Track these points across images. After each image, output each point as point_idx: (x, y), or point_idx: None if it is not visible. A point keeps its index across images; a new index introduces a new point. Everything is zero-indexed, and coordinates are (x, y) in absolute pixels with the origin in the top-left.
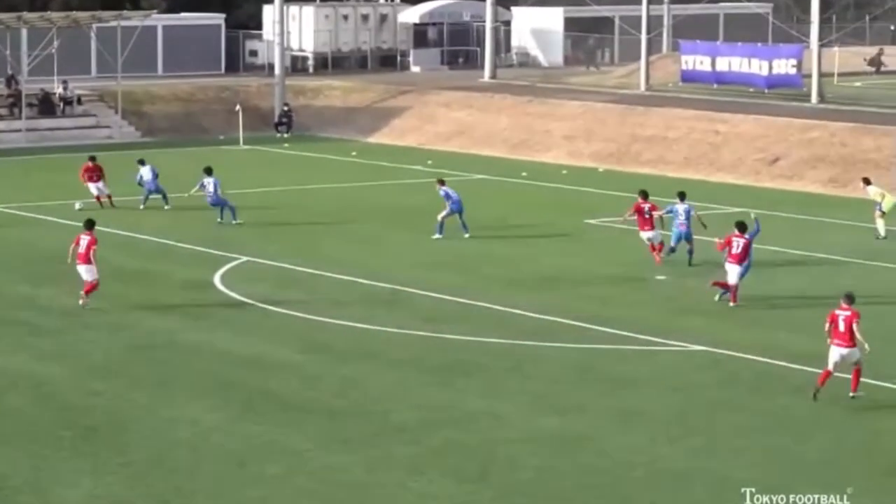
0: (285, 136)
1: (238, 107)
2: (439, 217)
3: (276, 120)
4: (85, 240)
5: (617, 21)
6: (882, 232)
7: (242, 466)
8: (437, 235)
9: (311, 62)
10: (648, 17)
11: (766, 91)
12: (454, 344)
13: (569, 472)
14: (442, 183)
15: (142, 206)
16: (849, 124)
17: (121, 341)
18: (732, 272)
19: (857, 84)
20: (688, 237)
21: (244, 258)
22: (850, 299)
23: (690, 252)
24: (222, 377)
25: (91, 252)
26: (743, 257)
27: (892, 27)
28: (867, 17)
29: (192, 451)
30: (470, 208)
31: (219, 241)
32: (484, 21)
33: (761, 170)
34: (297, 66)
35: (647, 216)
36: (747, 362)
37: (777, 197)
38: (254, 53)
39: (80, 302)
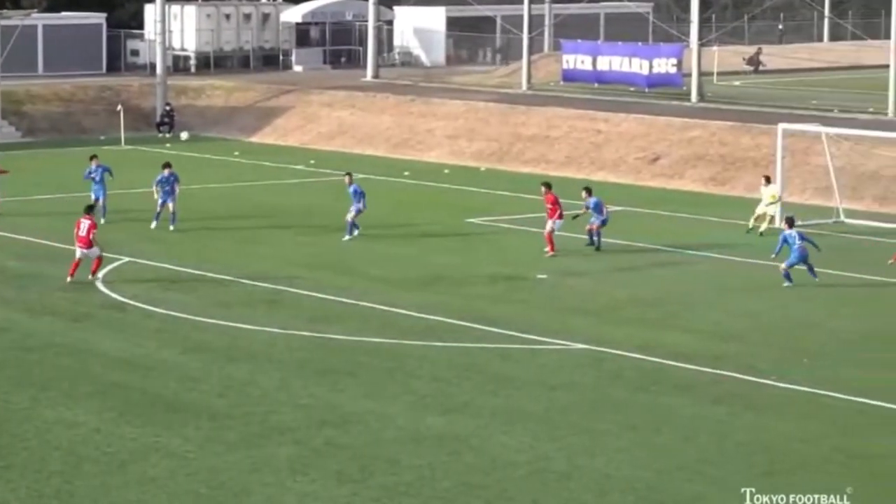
0: (167, 136)
1: (120, 107)
2: (348, 217)
3: (157, 120)
4: (85, 224)
5: (499, 21)
6: (762, 227)
7: (123, 468)
8: (346, 237)
9: (193, 62)
10: (530, 16)
11: (647, 90)
12: (337, 344)
13: (451, 471)
14: (350, 178)
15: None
16: (728, 123)
17: (0, 343)
18: None
19: (737, 83)
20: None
21: (126, 259)
22: None
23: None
24: (103, 379)
25: (91, 235)
26: None
27: (780, 27)
28: (746, 17)
29: (72, 453)
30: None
31: (100, 241)
32: (366, 20)
33: (642, 168)
34: (179, 65)
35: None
36: (629, 360)
37: (658, 195)
38: (135, 53)
39: (89, 277)
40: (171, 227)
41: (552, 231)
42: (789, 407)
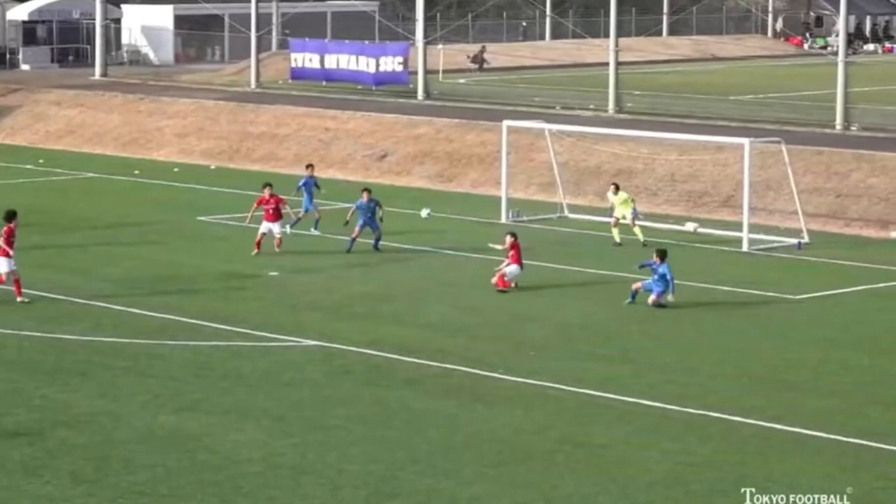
0: None
1: None
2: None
3: None
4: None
5: (227, 19)
6: (618, 239)
7: None
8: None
9: None
10: (258, 14)
11: (374, 88)
12: (70, 344)
13: (185, 470)
14: (367, 192)
15: None
16: (454, 120)
17: None
18: None
19: (462, 81)
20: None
21: None
22: None
23: None
24: None
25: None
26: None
27: (514, 26)
28: (469, 16)
29: None
30: (83, 208)
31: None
32: (94, 19)
33: (371, 165)
34: None
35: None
36: (359, 356)
37: (387, 192)
38: None
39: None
40: None
41: (505, 275)
42: (516, 399)
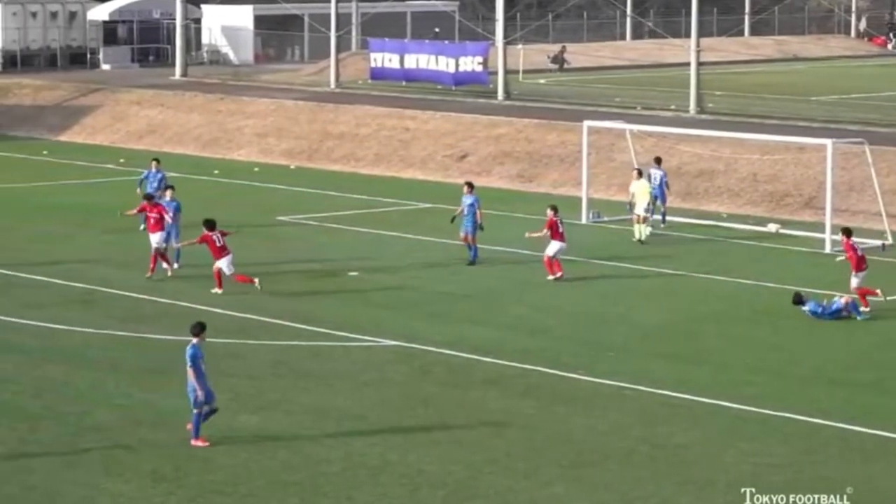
0: None
1: None
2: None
3: None
4: None
5: (306, 19)
6: (641, 235)
7: None
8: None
9: None
10: (337, 14)
11: (454, 88)
12: (151, 343)
13: (265, 469)
14: (471, 188)
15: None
16: (534, 120)
17: None
18: None
19: (542, 81)
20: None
21: None
22: None
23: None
24: None
25: None
26: None
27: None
28: (550, 16)
29: None
30: None
31: None
32: (174, 19)
33: (450, 166)
34: None
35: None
36: (439, 356)
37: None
38: None
39: None
40: None
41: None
42: (595, 399)
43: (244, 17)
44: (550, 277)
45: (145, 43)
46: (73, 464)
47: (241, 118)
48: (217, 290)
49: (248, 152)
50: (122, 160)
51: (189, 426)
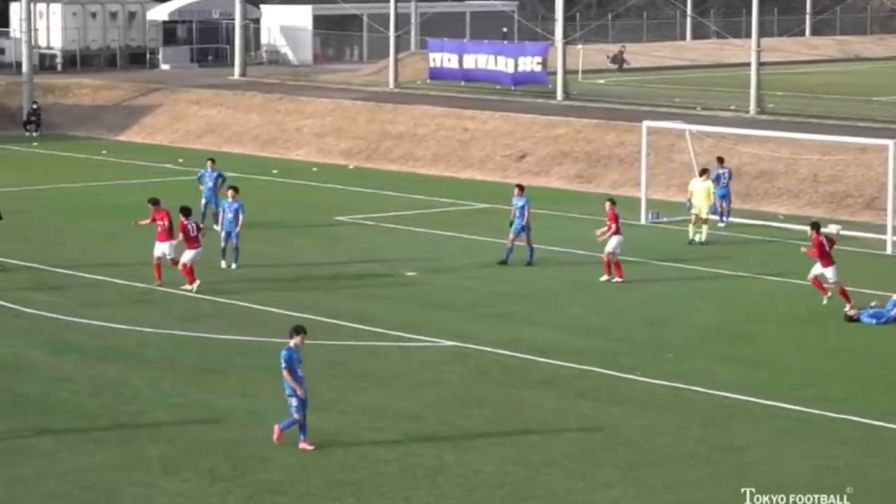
0: (34, 134)
1: None
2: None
3: (24, 119)
4: None
5: (365, 19)
6: (698, 237)
7: None
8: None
9: (59, 60)
10: (396, 14)
11: (513, 88)
12: (209, 343)
13: (322, 469)
14: (521, 190)
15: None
16: (593, 120)
17: None
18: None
19: (601, 81)
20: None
21: None
22: None
23: None
24: None
25: None
26: None
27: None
28: (609, 16)
29: None
30: None
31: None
32: (233, 19)
33: (509, 166)
34: (45, 63)
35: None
36: (495, 356)
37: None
38: (1, 51)
39: None
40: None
41: (611, 253)
42: (653, 401)
43: (303, 17)
44: (604, 278)
45: (204, 43)
46: (130, 463)
47: (299, 118)
48: (190, 287)
49: (306, 152)
50: (180, 160)
51: (302, 444)
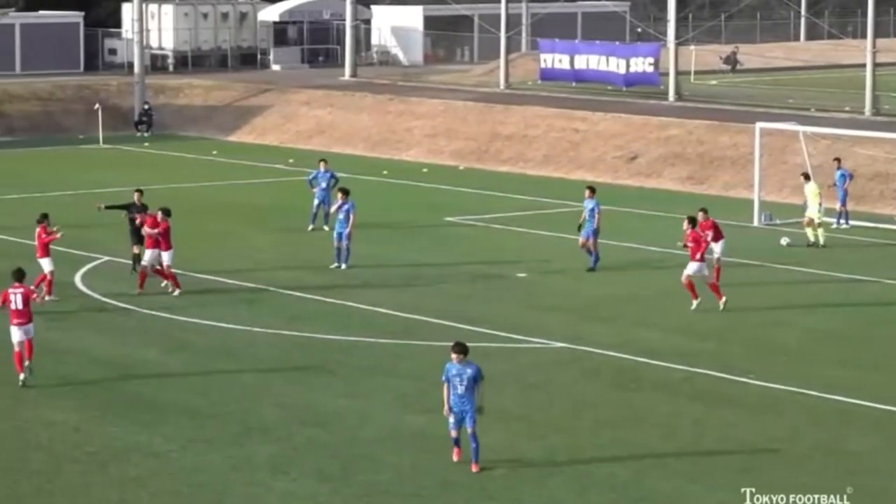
0: (145, 135)
1: (97, 105)
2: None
3: (136, 119)
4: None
5: (476, 20)
6: (813, 238)
7: (104, 468)
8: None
9: (171, 60)
10: (507, 15)
11: (624, 89)
12: (317, 343)
13: (431, 470)
14: (592, 192)
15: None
16: (706, 122)
17: None
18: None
19: (713, 82)
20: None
21: (105, 258)
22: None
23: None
24: (82, 378)
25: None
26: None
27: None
28: (722, 16)
29: (52, 452)
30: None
31: (79, 240)
32: (344, 19)
33: (620, 167)
34: (156, 64)
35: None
36: (607, 358)
37: (636, 194)
38: (113, 52)
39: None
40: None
41: (691, 275)
42: (766, 404)
43: (414, 17)
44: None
45: (315, 44)
46: (240, 462)
47: (410, 119)
48: (177, 291)
49: (416, 153)
50: (290, 160)
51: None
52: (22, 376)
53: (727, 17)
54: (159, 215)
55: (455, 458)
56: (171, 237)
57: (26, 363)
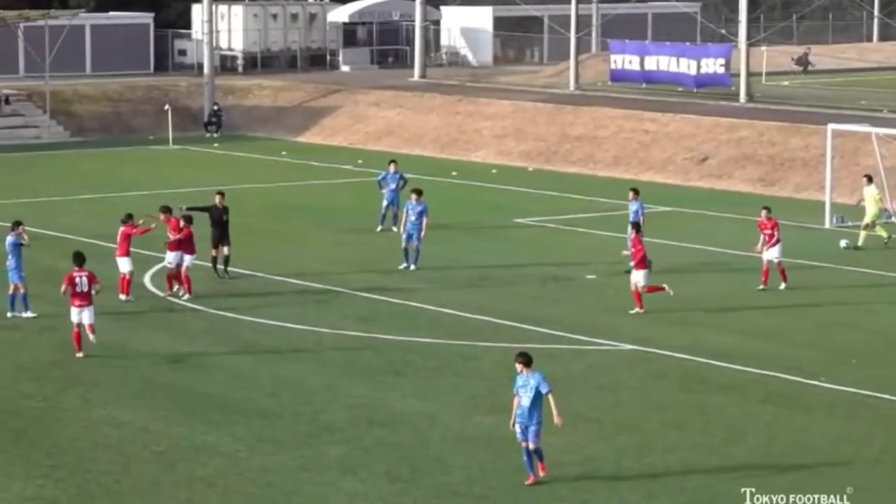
0: (215, 135)
1: (167, 106)
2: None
3: (205, 119)
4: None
5: (546, 20)
6: (859, 241)
7: (173, 467)
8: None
9: (240, 61)
10: (577, 16)
11: (695, 90)
12: (385, 344)
13: (500, 471)
14: (636, 194)
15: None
16: (777, 123)
17: (49, 342)
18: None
19: (785, 83)
20: None
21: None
22: None
23: None
24: (152, 378)
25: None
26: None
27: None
28: (794, 17)
29: (121, 452)
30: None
31: (148, 241)
32: (413, 20)
33: (690, 169)
34: (226, 65)
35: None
36: (676, 361)
37: (706, 196)
38: (183, 53)
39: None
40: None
41: (770, 261)
42: (837, 407)
43: (483, 18)
44: (783, 286)
45: (384, 44)
46: (308, 462)
47: (479, 119)
48: (187, 296)
49: (486, 154)
50: (359, 161)
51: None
52: (80, 354)
53: (799, 18)
54: (181, 222)
55: (528, 482)
56: (195, 242)
57: (91, 338)
